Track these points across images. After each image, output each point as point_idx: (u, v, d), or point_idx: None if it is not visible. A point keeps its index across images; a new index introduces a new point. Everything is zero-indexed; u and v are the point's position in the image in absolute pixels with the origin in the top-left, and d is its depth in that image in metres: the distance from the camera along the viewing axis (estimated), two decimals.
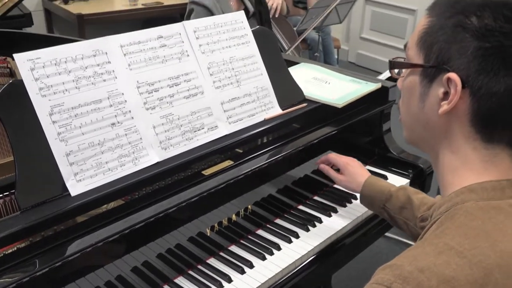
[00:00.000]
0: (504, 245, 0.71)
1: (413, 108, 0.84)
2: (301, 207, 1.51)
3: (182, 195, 1.18)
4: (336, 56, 4.61)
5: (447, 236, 0.73)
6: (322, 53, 4.23)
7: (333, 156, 1.45)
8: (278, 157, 1.39)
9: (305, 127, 1.52)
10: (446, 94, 0.77)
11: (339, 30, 5.29)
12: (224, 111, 1.38)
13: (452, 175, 0.81)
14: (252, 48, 1.48)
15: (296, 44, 2.71)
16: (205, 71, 1.36)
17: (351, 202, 1.53)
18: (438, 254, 0.70)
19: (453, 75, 0.74)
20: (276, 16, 2.82)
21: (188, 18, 2.66)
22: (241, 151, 1.37)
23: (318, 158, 1.56)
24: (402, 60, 0.86)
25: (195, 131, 1.30)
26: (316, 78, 1.73)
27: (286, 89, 1.55)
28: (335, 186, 1.61)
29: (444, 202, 0.80)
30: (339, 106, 1.54)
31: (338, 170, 1.46)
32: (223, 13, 2.61)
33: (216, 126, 1.35)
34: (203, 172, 1.26)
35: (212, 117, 1.35)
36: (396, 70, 0.89)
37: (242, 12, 1.50)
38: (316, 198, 1.56)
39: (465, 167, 0.80)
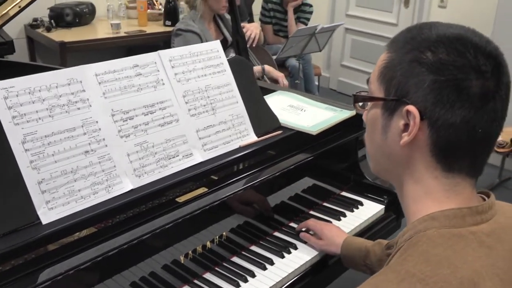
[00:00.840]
0: (464, 272, 0.72)
1: (376, 140, 0.86)
2: (277, 233, 1.51)
3: (156, 222, 1.19)
4: (316, 83, 4.67)
5: (409, 263, 0.74)
6: (303, 80, 4.29)
7: (311, 223, 1.48)
8: (253, 184, 1.40)
9: (280, 154, 1.53)
10: (406, 126, 0.79)
11: (320, 58, 5.37)
12: (199, 138, 1.39)
13: (415, 204, 0.83)
14: (228, 76, 1.51)
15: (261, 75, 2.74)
16: (181, 99, 1.38)
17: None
18: (400, 282, 0.71)
19: (411, 108, 0.77)
20: (254, 45, 2.86)
21: (172, 42, 2.70)
22: (216, 178, 1.38)
23: (295, 185, 1.57)
24: (365, 94, 0.89)
25: (169, 159, 1.31)
26: (292, 106, 1.75)
27: (261, 117, 1.57)
28: (311, 212, 1.62)
29: (408, 230, 0.81)
30: (314, 133, 1.56)
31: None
32: (206, 41, 2.66)
33: (191, 154, 1.36)
34: (177, 199, 1.26)
35: (187, 145, 1.36)
36: (360, 104, 0.91)
37: (217, 42, 1.53)
38: (291, 224, 1.56)
39: (428, 196, 0.82)
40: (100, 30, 4.26)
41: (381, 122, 0.84)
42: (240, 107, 1.51)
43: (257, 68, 2.65)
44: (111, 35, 4.02)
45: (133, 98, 1.28)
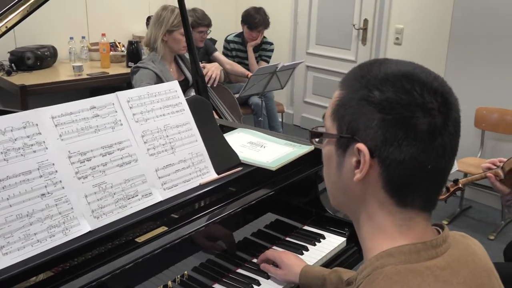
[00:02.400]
0: None
1: (332, 175, 0.88)
2: (240, 270, 1.51)
3: (115, 263, 1.17)
4: (280, 120, 4.74)
5: None
6: (266, 118, 4.35)
7: (270, 253, 1.50)
8: (215, 221, 1.41)
9: (241, 190, 1.55)
10: (358, 163, 0.80)
11: (283, 95, 5.47)
12: (159, 177, 1.39)
13: (371, 240, 0.85)
14: (187, 115, 1.53)
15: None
16: (139, 139, 1.39)
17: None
18: None
19: (361, 146, 0.79)
20: (215, 85, 2.91)
21: (132, 80, 2.73)
22: (176, 216, 1.38)
23: (257, 221, 1.58)
24: (321, 129, 0.90)
25: (129, 199, 1.31)
26: (251, 143, 1.78)
27: (221, 154, 1.59)
28: (274, 247, 1.63)
29: (366, 267, 0.82)
30: (273, 169, 1.59)
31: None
32: (166, 81, 2.69)
33: (151, 193, 1.36)
34: (137, 239, 1.25)
35: (147, 184, 1.36)
36: (316, 139, 0.92)
37: (176, 82, 1.56)
38: (255, 260, 1.56)
39: (382, 232, 0.83)
40: (62, 72, 4.25)
41: (336, 159, 0.85)
42: (199, 146, 1.53)
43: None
44: (73, 78, 4.03)
45: (90, 140, 1.29)
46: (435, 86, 0.78)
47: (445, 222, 3.60)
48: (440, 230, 0.86)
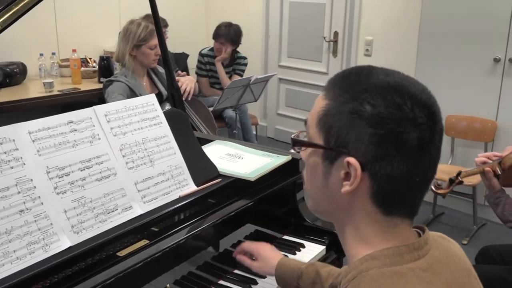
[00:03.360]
0: None
1: (318, 184, 0.87)
2: (221, 281, 1.51)
3: (96, 278, 1.16)
4: (254, 132, 4.76)
5: None
6: (240, 130, 4.37)
7: (246, 245, 1.49)
8: (195, 233, 1.41)
9: (220, 202, 1.55)
10: (347, 175, 0.80)
11: (257, 108, 5.49)
12: (138, 191, 1.39)
13: (356, 245, 0.86)
14: (164, 128, 1.53)
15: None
16: (117, 153, 1.38)
17: (256, 283, 1.55)
18: None
19: (352, 160, 0.78)
20: (189, 98, 2.91)
21: (104, 94, 2.71)
22: (157, 229, 1.38)
23: (237, 232, 1.59)
24: (304, 134, 0.89)
25: (108, 213, 1.30)
26: (229, 154, 1.79)
27: (200, 166, 1.60)
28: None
29: (351, 270, 0.83)
30: (252, 179, 1.60)
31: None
32: (140, 95, 2.69)
33: (131, 207, 1.36)
34: (118, 253, 1.24)
35: (126, 198, 1.36)
36: (298, 148, 0.91)
37: (153, 95, 1.56)
38: (236, 271, 1.57)
39: (367, 238, 0.84)
40: (32, 89, 4.19)
41: (322, 169, 0.85)
42: (178, 158, 1.53)
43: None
44: (44, 94, 3.97)
45: (68, 154, 1.28)
46: (424, 100, 0.79)
47: None
48: (421, 233, 0.88)
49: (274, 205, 1.78)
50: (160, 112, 1.54)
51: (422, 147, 0.78)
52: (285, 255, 1.64)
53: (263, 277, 1.54)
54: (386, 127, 0.76)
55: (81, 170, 1.29)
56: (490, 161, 1.98)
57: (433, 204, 3.88)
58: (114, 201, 1.33)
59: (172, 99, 1.98)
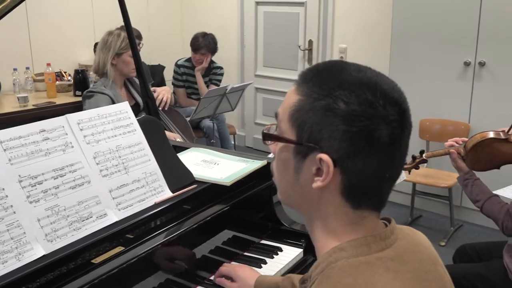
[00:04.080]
0: None
1: (288, 178, 0.88)
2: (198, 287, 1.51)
3: (71, 286, 1.15)
4: (232, 142, 4.77)
5: None
6: (218, 140, 4.37)
7: (224, 268, 1.51)
8: (171, 238, 1.40)
9: (196, 207, 1.56)
10: (318, 170, 0.81)
11: (234, 117, 5.51)
12: (113, 198, 1.39)
13: (324, 238, 0.87)
14: (138, 136, 1.53)
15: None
16: (91, 161, 1.38)
17: None
18: None
19: (324, 157, 0.79)
20: (166, 108, 2.92)
21: (84, 105, 2.69)
22: (132, 236, 1.37)
23: (215, 238, 1.59)
24: (274, 127, 0.90)
25: (83, 221, 1.30)
26: (205, 161, 1.80)
27: (175, 173, 1.60)
28: (232, 263, 1.64)
29: (320, 263, 0.85)
30: (228, 184, 1.61)
31: None
32: None
33: (106, 214, 1.35)
34: (93, 260, 1.24)
35: (101, 205, 1.35)
36: (269, 141, 0.91)
37: (126, 103, 1.56)
38: (213, 277, 1.57)
39: (336, 230, 0.86)
40: (6, 104, 4.15)
41: (293, 164, 0.85)
42: (153, 165, 1.53)
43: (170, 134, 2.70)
44: (19, 109, 3.93)
45: (41, 163, 1.27)
46: (395, 97, 0.81)
47: None
48: (388, 224, 0.89)
49: (251, 210, 1.79)
50: (133, 119, 1.54)
51: (393, 144, 0.80)
52: (263, 260, 1.66)
53: None
54: (359, 124, 0.77)
55: (54, 179, 1.28)
56: (457, 145, 2.05)
57: (411, 207, 3.92)
58: (88, 208, 1.32)
59: (147, 108, 1.98)
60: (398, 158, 0.82)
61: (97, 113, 1.47)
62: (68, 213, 1.27)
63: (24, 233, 1.17)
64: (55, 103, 4.15)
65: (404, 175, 2.37)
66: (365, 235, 0.84)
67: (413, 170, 3.67)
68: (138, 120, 1.57)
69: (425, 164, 2.19)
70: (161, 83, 4.78)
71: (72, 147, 1.36)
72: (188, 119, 3.57)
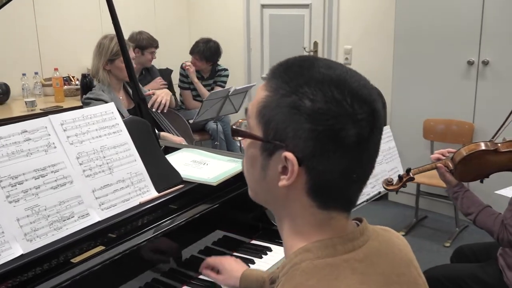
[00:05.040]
0: None
1: (256, 175, 0.85)
2: (184, 287, 1.50)
3: (47, 284, 1.15)
4: (238, 144, 4.76)
5: None
6: (224, 142, 4.36)
7: (211, 259, 1.49)
8: (154, 237, 1.40)
9: (182, 207, 1.55)
10: (284, 168, 0.78)
11: (240, 119, 5.50)
12: (96, 198, 1.39)
13: (292, 238, 0.84)
14: (124, 136, 1.53)
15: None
16: (74, 161, 1.38)
17: None
18: None
19: (289, 155, 0.76)
20: (165, 111, 2.91)
21: None
22: (115, 235, 1.37)
23: (206, 238, 1.58)
24: (245, 127, 0.87)
25: (64, 220, 1.30)
26: (195, 161, 1.79)
27: (162, 173, 1.60)
28: None
29: (286, 264, 0.82)
30: (214, 184, 1.60)
31: None
32: (118, 109, 2.68)
33: (88, 214, 1.35)
34: (72, 260, 1.24)
35: (83, 205, 1.35)
36: (239, 137, 0.88)
37: (112, 104, 1.57)
38: (201, 277, 1.56)
39: (303, 230, 0.83)
40: (15, 109, 4.19)
41: (260, 161, 0.82)
42: (138, 165, 1.53)
43: (165, 135, 2.69)
44: (26, 113, 3.97)
45: (22, 163, 1.28)
46: (364, 95, 0.77)
47: (402, 233, 3.65)
48: (360, 224, 0.87)
49: (241, 210, 1.78)
50: (119, 120, 1.55)
51: (360, 144, 0.76)
52: (251, 259, 1.64)
53: None
54: (325, 123, 0.74)
55: (36, 179, 1.28)
56: (444, 157, 1.98)
57: (415, 208, 3.87)
58: (70, 208, 1.32)
59: (138, 109, 1.98)
60: (367, 159, 0.79)
61: (82, 114, 1.47)
62: (49, 213, 1.28)
63: (3, 232, 1.18)
64: (62, 107, 4.18)
65: (379, 187, 2.31)
66: (333, 236, 0.81)
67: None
68: (124, 121, 1.57)
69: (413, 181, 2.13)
70: (169, 86, 4.80)
71: (55, 147, 1.36)
72: (191, 121, 3.58)
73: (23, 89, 4.41)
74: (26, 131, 1.32)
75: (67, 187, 1.34)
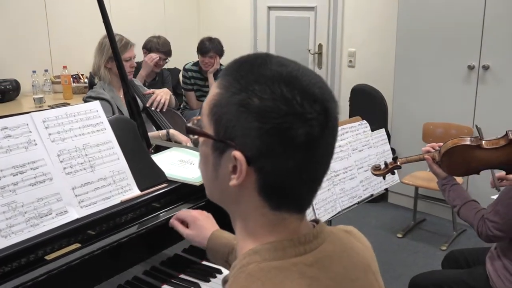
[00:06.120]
0: None
1: (209, 174, 0.83)
2: (164, 286, 1.48)
3: (21, 279, 1.13)
4: None
5: None
6: None
7: (183, 212, 1.41)
8: (133, 235, 1.38)
9: (164, 206, 1.53)
10: (235, 168, 0.75)
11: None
12: (76, 195, 1.37)
13: (244, 238, 0.81)
14: (108, 135, 1.51)
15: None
16: (55, 158, 1.36)
17: (215, 277, 1.51)
18: None
19: (237, 154, 0.74)
20: (164, 110, 2.89)
21: None
22: (93, 233, 1.35)
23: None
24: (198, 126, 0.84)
25: (41, 217, 1.28)
26: (181, 160, 1.76)
27: (146, 172, 1.57)
28: (203, 263, 1.60)
29: (235, 265, 0.79)
30: (197, 184, 1.57)
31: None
32: (118, 108, 2.67)
33: (66, 211, 1.33)
34: (46, 257, 1.22)
35: (62, 202, 1.33)
36: (193, 136, 0.87)
37: (97, 102, 1.54)
38: (182, 276, 1.53)
39: (255, 231, 0.80)
40: (25, 105, 4.22)
41: (212, 160, 0.80)
42: (121, 163, 1.50)
43: (162, 132, 2.66)
44: (34, 109, 3.99)
45: (1, 160, 1.26)
46: (315, 94, 0.73)
47: (399, 235, 3.60)
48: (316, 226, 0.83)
49: (224, 210, 1.75)
50: (104, 119, 1.52)
51: (310, 144, 0.73)
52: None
53: (207, 281, 1.51)
54: (273, 122, 0.71)
55: (14, 175, 1.27)
56: (433, 150, 1.99)
57: (413, 210, 3.81)
58: (48, 205, 1.30)
59: (129, 108, 1.96)
60: (317, 159, 0.76)
61: (65, 112, 1.45)
62: (26, 209, 1.26)
63: None
64: (69, 104, 4.19)
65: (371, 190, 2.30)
66: (285, 238, 0.78)
67: (415, 174, 3.60)
68: (109, 119, 1.54)
69: (395, 175, 2.12)
70: (177, 86, 4.78)
71: (36, 144, 1.34)
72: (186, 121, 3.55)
73: (33, 86, 4.43)
74: (7, 128, 1.30)
75: (46, 184, 1.32)
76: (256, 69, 0.75)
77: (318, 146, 0.74)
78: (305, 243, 0.79)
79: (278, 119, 0.71)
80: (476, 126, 2.04)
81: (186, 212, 1.41)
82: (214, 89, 0.79)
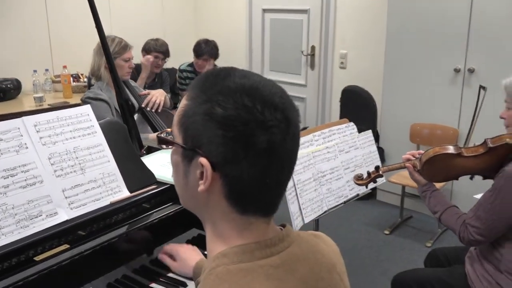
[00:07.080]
0: None
1: (180, 181, 0.84)
2: (153, 284, 1.47)
3: (9, 280, 1.13)
4: None
5: None
6: None
7: (168, 247, 1.47)
8: (122, 236, 1.38)
9: (154, 207, 1.53)
10: (202, 174, 0.77)
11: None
12: (66, 197, 1.37)
13: (213, 242, 0.82)
14: (99, 137, 1.51)
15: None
16: (45, 161, 1.36)
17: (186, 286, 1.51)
18: None
19: (203, 161, 0.75)
20: (159, 110, 2.88)
21: None
22: (83, 233, 1.35)
23: (181, 236, 1.56)
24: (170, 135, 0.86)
25: (31, 219, 1.28)
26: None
27: (136, 174, 1.57)
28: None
29: (205, 268, 0.80)
30: None
31: None
32: (114, 107, 2.67)
33: (56, 213, 1.33)
34: (35, 258, 1.22)
35: (52, 204, 1.33)
36: (164, 145, 0.87)
37: (88, 106, 1.54)
38: (170, 274, 1.53)
39: (224, 235, 0.81)
40: (25, 103, 4.21)
41: (182, 168, 0.81)
42: (111, 166, 1.50)
43: (152, 136, 2.66)
44: (34, 108, 3.98)
45: None
46: (276, 103, 0.76)
47: (386, 232, 3.61)
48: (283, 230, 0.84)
49: None
50: (95, 122, 1.52)
51: (271, 150, 0.74)
52: None
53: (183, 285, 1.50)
54: (235, 129, 0.73)
55: (4, 178, 1.26)
56: (413, 158, 1.98)
57: (400, 207, 3.82)
58: (38, 207, 1.30)
59: (121, 110, 1.95)
60: (280, 165, 0.77)
61: (57, 116, 1.45)
62: (16, 211, 1.26)
63: None
64: (69, 103, 4.18)
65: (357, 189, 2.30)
66: (253, 241, 0.79)
67: (403, 173, 3.60)
68: (100, 123, 1.54)
69: (382, 178, 2.12)
70: (174, 86, 4.77)
71: (27, 148, 1.34)
72: None
73: (34, 85, 4.41)
74: None
75: (36, 186, 1.32)
76: (220, 81, 0.77)
77: (280, 152, 0.76)
78: (272, 246, 0.80)
79: (240, 127, 0.73)
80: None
81: (171, 246, 1.47)
82: (183, 101, 0.81)
